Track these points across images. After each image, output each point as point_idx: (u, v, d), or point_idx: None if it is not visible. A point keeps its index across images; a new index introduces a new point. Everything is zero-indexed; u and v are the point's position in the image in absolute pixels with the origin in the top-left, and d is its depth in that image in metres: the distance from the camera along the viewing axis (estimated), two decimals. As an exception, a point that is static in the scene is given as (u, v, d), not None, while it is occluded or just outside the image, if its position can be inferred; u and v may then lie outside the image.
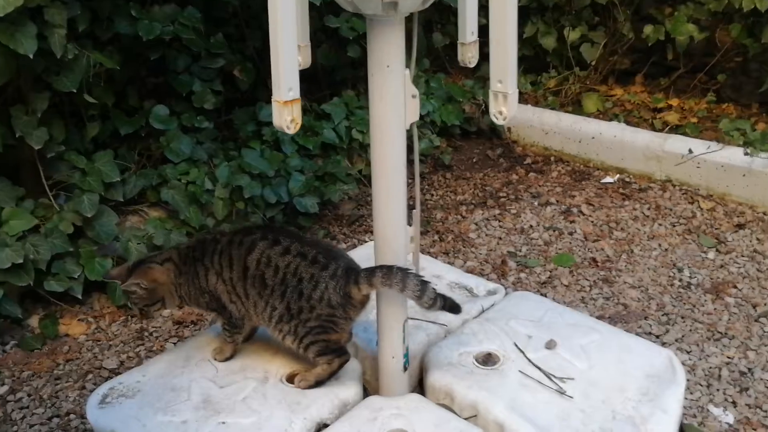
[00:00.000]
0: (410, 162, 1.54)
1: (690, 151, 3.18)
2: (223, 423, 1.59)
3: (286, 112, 1.25)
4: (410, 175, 1.56)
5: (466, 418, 1.62)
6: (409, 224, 1.61)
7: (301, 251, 1.63)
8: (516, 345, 1.80)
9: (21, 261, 2.38)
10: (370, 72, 1.43)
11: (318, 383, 1.68)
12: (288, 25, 1.19)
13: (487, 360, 1.76)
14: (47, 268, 2.48)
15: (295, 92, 1.26)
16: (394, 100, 1.43)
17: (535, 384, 1.67)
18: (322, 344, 1.65)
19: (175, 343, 2.41)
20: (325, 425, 1.60)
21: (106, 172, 2.67)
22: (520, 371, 1.71)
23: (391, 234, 1.55)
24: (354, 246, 2.92)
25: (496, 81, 1.25)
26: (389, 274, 1.53)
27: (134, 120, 3.00)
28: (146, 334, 2.47)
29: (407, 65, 1.45)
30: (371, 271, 1.57)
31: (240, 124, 3.23)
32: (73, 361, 2.35)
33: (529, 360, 1.75)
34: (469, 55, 1.61)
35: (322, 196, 3.04)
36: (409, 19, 1.43)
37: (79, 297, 2.52)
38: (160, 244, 2.66)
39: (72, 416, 2.13)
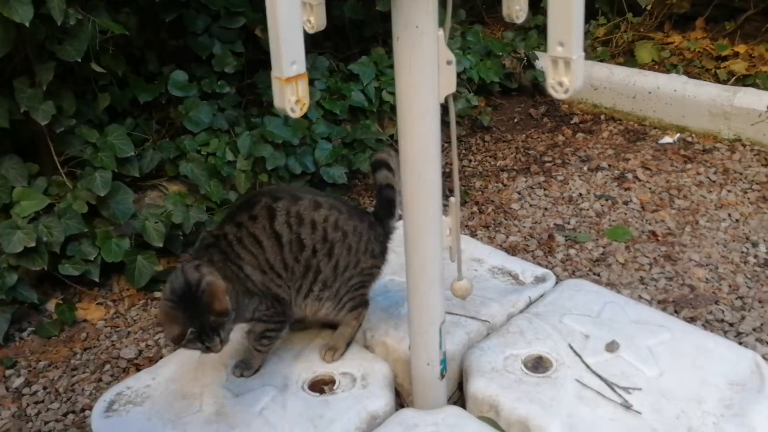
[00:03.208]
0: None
1: (768, 108, 2.82)
2: (238, 441, 1.41)
3: (289, 91, 1.02)
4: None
5: (514, 436, 1.41)
6: (446, 214, 1.37)
7: (332, 204, 1.51)
8: (571, 347, 1.56)
9: (33, 244, 2.24)
10: (395, 35, 1.18)
11: (348, 345, 1.63)
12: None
13: (538, 365, 1.53)
14: (62, 250, 2.34)
15: (300, 65, 1.02)
16: (425, 68, 1.18)
17: (596, 396, 1.44)
18: (359, 299, 1.59)
19: (196, 331, 2.24)
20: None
21: (119, 147, 2.48)
22: (576, 380, 1.48)
23: (423, 229, 1.32)
24: (387, 220, 2.69)
25: (555, 43, 0.98)
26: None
27: (153, 87, 2.81)
28: (166, 320, 2.31)
29: (441, 24, 1.19)
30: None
31: (263, 88, 3.00)
32: (91, 349, 2.21)
33: (588, 366, 1.51)
34: (516, 8, 1.33)
35: (351, 165, 2.81)
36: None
37: (97, 280, 2.38)
38: (179, 222, 2.49)
39: (87, 412, 1.99)
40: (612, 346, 1.55)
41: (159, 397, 1.57)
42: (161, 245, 2.44)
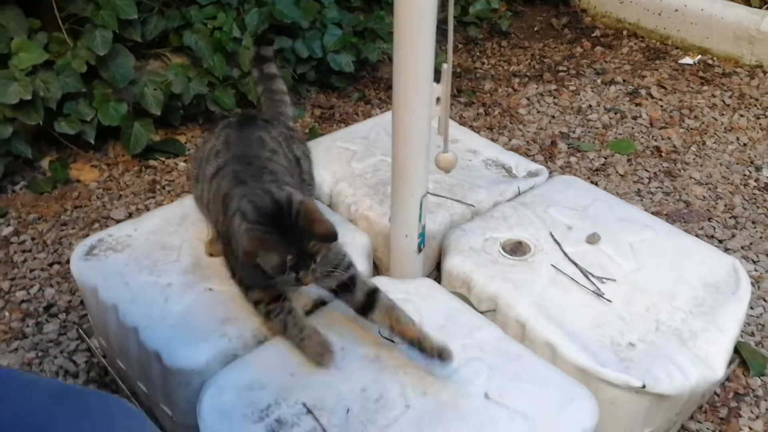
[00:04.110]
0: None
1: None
2: (210, 290, 1.42)
3: None
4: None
5: (483, 312, 1.41)
6: (437, 81, 1.33)
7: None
8: (552, 235, 1.55)
9: (30, 98, 2.22)
10: None
11: None
12: None
13: (516, 249, 1.52)
14: (58, 108, 2.32)
15: None
16: None
17: (569, 282, 1.44)
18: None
19: (187, 200, 2.25)
20: (323, 303, 1.42)
21: (122, 7, 2.41)
22: (552, 265, 1.47)
23: (411, 91, 1.28)
24: (390, 112, 2.65)
25: None
26: None
27: (164, -47, 2.70)
28: (159, 187, 2.32)
29: None
30: None
31: (277, -34, 2.89)
32: (81, 208, 2.23)
33: (565, 254, 1.50)
34: None
35: (359, 54, 2.74)
36: None
37: (92, 142, 2.37)
38: (178, 92, 2.46)
39: (73, 265, 2.03)
40: (593, 238, 1.53)
41: (139, 246, 1.57)
42: (159, 114, 2.42)
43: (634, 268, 1.49)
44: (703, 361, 1.32)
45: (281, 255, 1.14)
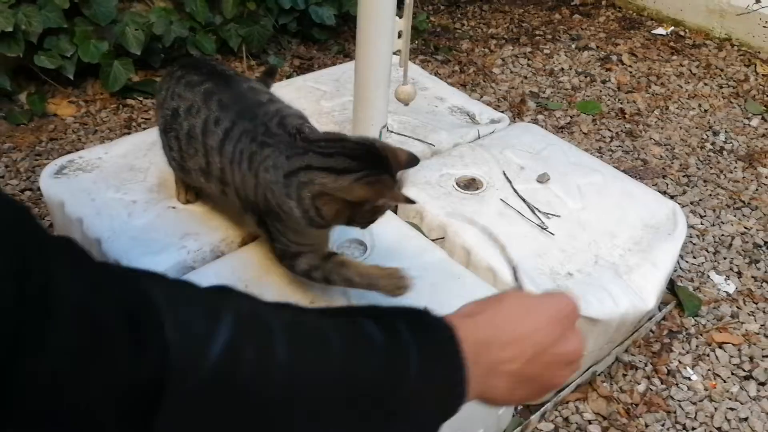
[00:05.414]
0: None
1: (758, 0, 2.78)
2: (173, 208, 1.49)
3: None
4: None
5: (433, 240, 1.49)
6: (400, 16, 1.39)
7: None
8: (504, 174, 1.62)
9: (11, 29, 2.25)
10: None
11: None
12: None
13: (470, 185, 1.60)
14: (39, 42, 2.35)
15: None
16: None
17: (516, 215, 1.51)
18: None
19: (162, 138, 2.30)
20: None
21: (106, -54, 2.44)
22: (501, 200, 1.55)
23: (374, 24, 1.34)
24: (366, 65, 2.70)
25: None
26: None
27: None
28: (134, 124, 2.36)
29: None
30: None
31: None
32: (57, 140, 2.27)
33: (515, 190, 1.57)
34: None
35: (341, 8, 2.78)
36: None
37: (71, 77, 2.41)
38: (159, 33, 2.50)
39: (44, 192, 2.08)
40: (543, 177, 1.61)
41: (108, 167, 1.63)
42: (139, 53, 2.46)
43: (579, 207, 1.56)
44: (635, 292, 1.40)
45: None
